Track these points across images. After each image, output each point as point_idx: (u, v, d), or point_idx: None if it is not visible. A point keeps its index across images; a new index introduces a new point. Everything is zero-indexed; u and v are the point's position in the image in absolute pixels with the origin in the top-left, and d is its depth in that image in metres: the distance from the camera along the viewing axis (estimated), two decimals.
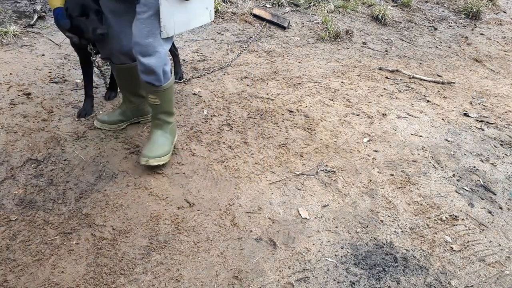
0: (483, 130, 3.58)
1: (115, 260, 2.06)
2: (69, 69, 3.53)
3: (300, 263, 2.19)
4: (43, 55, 3.67)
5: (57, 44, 3.87)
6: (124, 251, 2.11)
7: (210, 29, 4.59)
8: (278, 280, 2.09)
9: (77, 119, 2.94)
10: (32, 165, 2.53)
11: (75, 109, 3.04)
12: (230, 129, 3.11)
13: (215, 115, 3.24)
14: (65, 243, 2.11)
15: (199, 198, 2.48)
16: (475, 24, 5.96)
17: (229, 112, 3.29)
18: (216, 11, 4.84)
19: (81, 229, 2.19)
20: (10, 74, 3.32)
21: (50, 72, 3.42)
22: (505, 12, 6.53)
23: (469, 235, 2.51)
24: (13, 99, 3.04)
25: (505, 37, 5.75)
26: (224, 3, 5.03)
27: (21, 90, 3.15)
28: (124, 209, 2.34)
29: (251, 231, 2.33)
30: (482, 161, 3.18)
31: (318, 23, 5.20)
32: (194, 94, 3.46)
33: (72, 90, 3.27)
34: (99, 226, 2.22)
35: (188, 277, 2.04)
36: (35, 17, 4.10)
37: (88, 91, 2.99)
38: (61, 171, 2.52)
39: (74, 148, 2.70)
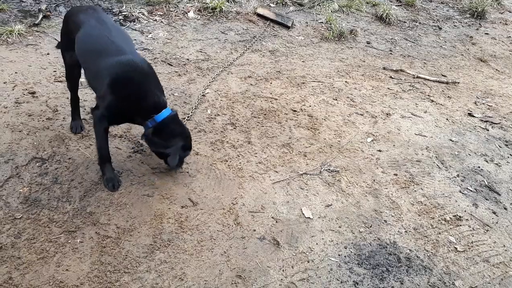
0: (488, 130, 3.56)
1: (119, 259, 2.07)
2: None
3: (303, 262, 2.19)
4: (48, 54, 3.69)
5: None
6: (128, 249, 2.12)
7: (214, 29, 4.60)
8: (281, 279, 2.09)
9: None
10: (37, 164, 2.54)
11: (80, 107, 3.05)
12: (234, 128, 3.11)
13: (218, 115, 3.24)
14: (69, 241, 2.12)
15: (202, 197, 2.49)
16: (480, 24, 5.92)
17: (232, 112, 3.29)
18: (220, 11, 4.84)
19: (85, 228, 2.20)
20: (15, 73, 3.34)
21: (55, 71, 3.44)
22: (510, 12, 6.49)
23: (473, 236, 2.50)
24: (18, 98, 3.05)
25: (510, 36, 5.72)
26: (228, 2, 5.03)
27: (26, 89, 3.16)
28: (128, 208, 2.35)
29: (255, 230, 2.33)
30: (487, 161, 3.17)
31: (322, 22, 5.20)
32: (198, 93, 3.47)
33: None
34: (103, 224, 2.23)
35: (191, 275, 2.04)
36: (40, 16, 4.12)
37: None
38: (65, 169, 2.53)
39: (78, 147, 2.71)
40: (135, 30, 4.29)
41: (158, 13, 4.64)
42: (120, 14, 4.43)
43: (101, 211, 2.31)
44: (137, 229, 2.24)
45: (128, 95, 2.32)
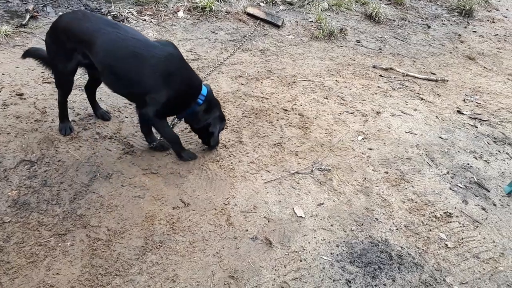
0: (477, 127, 3.61)
1: (110, 261, 2.06)
2: None
3: (295, 261, 2.19)
4: None
5: None
6: (119, 251, 2.11)
7: (204, 28, 4.58)
8: (274, 279, 2.09)
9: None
10: (26, 166, 2.51)
11: (68, 108, 3.01)
12: (225, 128, 3.10)
13: None
14: (59, 244, 2.10)
15: (194, 198, 2.48)
16: (468, 22, 5.99)
17: (223, 111, 3.28)
18: (210, 10, 4.82)
19: (75, 230, 2.18)
20: (3, 74, 3.29)
21: (43, 72, 3.39)
22: (497, 10, 6.57)
23: (463, 232, 2.52)
24: (5, 100, 3.01)
25: (497, 34, 5.79)
26: (218, 2, 5.01)
27: (14, 91, 3.12)
28: (119, 210, 2.33)
29: (247, 230, 2.33)
30: (476, 158, 3.20)
31: (312, 21, 5.21)
32: None
33: None
34: (94, 227, 2.21)
35: (184, 277, 2.04)
36: (27, 16, 4.06)
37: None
38: (55, 172, 2.50)
39: (68, 149, 2.68)
40: None
41: (148, 13, 4.61)
42: (108, 14, 4.39)
43: (92, 213, 2.29)
44: (128, 231, 2.22)
45: (182, 83, 2.50)
